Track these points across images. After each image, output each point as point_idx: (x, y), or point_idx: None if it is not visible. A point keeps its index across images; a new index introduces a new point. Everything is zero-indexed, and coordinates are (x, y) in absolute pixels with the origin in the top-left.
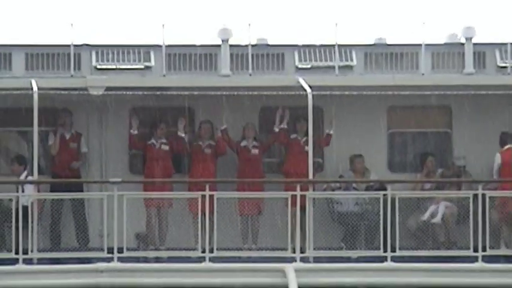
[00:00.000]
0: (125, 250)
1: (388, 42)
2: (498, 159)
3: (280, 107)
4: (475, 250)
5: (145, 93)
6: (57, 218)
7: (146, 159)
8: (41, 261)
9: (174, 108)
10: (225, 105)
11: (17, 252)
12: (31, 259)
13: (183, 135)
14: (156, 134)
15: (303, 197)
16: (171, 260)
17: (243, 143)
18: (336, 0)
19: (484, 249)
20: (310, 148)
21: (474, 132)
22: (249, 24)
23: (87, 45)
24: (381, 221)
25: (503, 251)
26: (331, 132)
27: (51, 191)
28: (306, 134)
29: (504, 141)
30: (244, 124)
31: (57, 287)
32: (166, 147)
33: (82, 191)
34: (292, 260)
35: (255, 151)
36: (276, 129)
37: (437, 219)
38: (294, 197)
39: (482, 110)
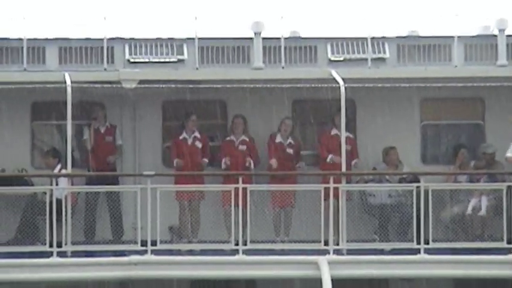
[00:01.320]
0: (158, 243)
1: (421, 34)
2: None
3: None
4: (509, 242)
5: (178, 86)
6: (91, 211)
7: (177, 153)
8: (74, 254)
9: (206, 101)
10: (257, 98)
11: (51, 245)
12: (65, 252)
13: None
14: (188, 127)
15: (335, 190)
16: (204, 252)
17: (278, 139)
18: None
19: None
20: (343, 140)
21: (507, 124)
22: (282, 17)
23: (120, 38)
24: (414, 213)
25: None
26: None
27: (87, 184)
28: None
29: None
30: (282, 118)
31: (91, 279)
32: (199, 145)
33: (118, 183)
34: (325, 252)
35: (290, 151)
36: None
37: (482, 212)
38: (327, 189)
39: None
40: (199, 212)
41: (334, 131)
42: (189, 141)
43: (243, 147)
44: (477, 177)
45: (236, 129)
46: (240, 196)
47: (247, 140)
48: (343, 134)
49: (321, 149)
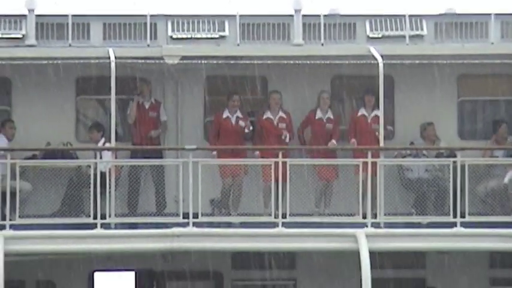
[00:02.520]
0: (200, 215)
1: (458, 12)
2: None
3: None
4: None
5: (219, 62)
6: (134, 185)
7: (220, 132)
8: (118, 226)
9: (247, 77)
10: (297, 74)
11: (95, 217)
12: (109, 224)
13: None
14: (230, 106)
15: (373, 164)
16: (244, 225)
17: (318, 115)
18: None
19: None
20: (381, 116)
21: None
22: None
23: (163, 15)
24: (451, 188)
25: None
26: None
27: (131, 158)
28: (374, 107)
29: None
30: (319, 92)
31: (134, 251)
32: (242, 124)
33: (162, 157)
34: (363, 225)
35: (329, 125)
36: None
37: None
38: (365, 163)
39: None
40: (242, 188)
41: (361, 112)
42: (233, 121)
43: (282, 125)
44: None
45: (276, 105)
46: (280, 170)
47: (285, 117)
48: (381, 110)
49: (349, 131)
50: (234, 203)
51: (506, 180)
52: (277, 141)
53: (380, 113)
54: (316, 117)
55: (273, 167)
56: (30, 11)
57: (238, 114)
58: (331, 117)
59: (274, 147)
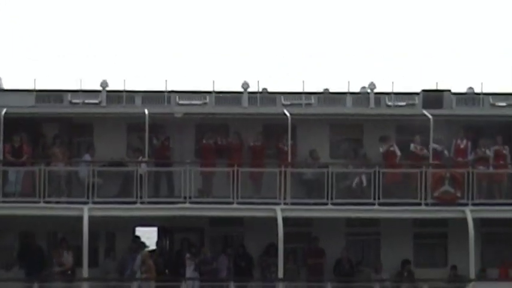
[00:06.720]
0: (192, 197)
1: (330, 91)
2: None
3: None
4: (374, 198)
5: (203, 116)
6: (157, 180)
7: (202, 150)
8: (150, 202)
9: (218, 124)
10: (244, 123)
11: (136, 197)
12: (143, 201)
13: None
14: (206, 138)
15: (285, 172)
16: (215, 203)
17: (251, 143)
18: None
19: (379, 198)
20: (289, 148)
21: (374, 139)
22: (258, 81)
23: (174, 91)
24: (325, 183)
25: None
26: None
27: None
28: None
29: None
30: (256, 133)
31: (157, 216)
32: (213, 146)
33: (171, 166)
34: (279, 203)
35: (261, 149)
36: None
37: (364, 183)
38: (280, 171)
39: None
40: (212, 182)
41: (280, 144)
42: (209, 144)
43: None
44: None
45: (234, 139)
46: (235, 173)
47: (238, 142)
48: (289, 143)
49: (279, 152)
50: (209, 191)
51: (364, 183)
52: (240, 155)
53: (288, 146)
54: (251, 145)
55: (231, 173)
56: (104, 88)
57: (211, 140)
58: (259, 144)
59: (231, 162)
